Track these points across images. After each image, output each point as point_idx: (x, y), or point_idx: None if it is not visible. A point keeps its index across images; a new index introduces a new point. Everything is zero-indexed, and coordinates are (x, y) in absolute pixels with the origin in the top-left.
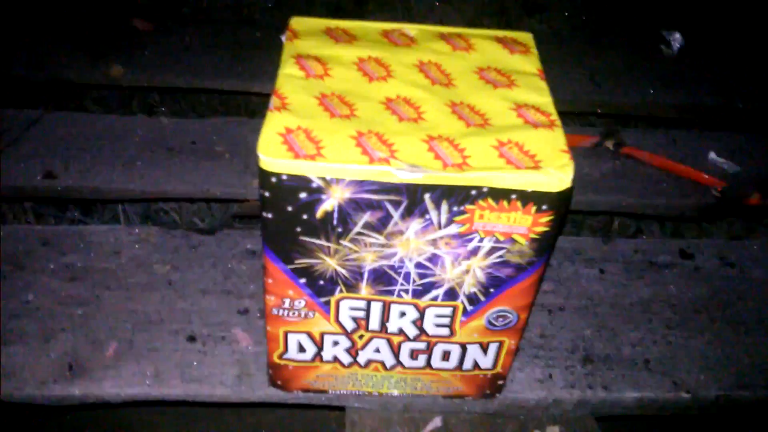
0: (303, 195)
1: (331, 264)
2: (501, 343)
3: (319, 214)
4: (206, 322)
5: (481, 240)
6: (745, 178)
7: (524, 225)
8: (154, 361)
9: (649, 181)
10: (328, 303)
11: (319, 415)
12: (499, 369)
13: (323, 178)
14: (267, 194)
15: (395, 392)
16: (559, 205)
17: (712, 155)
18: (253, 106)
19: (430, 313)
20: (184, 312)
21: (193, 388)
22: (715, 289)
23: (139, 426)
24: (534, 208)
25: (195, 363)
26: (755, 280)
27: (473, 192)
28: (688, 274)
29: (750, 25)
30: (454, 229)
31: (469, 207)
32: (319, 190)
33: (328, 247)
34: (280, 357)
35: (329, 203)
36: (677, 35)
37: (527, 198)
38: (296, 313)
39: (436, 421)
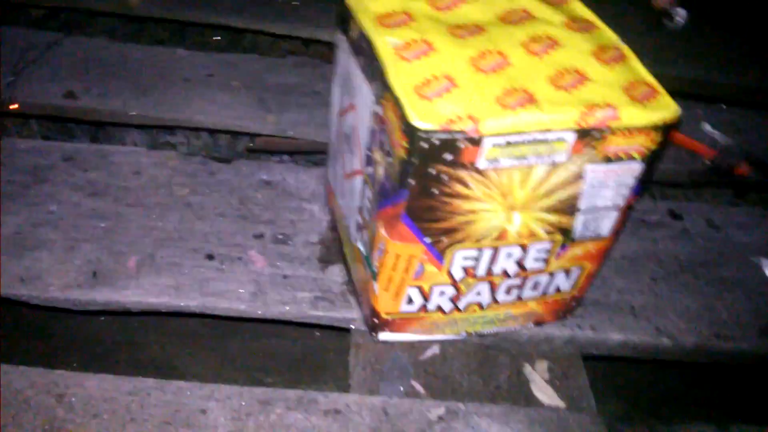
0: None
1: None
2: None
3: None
4: (223, 243)
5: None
6: (736, 150)
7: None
8: (174, 275)
9: None
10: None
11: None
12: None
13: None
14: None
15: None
16: (666, 129)
17: (706, 126)
18: (262, 44)
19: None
20: (202, 232)
21: (211, 302)
22: (700, 249)
23: (157, 337)
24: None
25: (213, 279)
26: (738, 244)
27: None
28: (676, 234)
29: (752, 2)
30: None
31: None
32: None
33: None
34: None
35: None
36: (682, 10)
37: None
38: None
39: (434, 348)
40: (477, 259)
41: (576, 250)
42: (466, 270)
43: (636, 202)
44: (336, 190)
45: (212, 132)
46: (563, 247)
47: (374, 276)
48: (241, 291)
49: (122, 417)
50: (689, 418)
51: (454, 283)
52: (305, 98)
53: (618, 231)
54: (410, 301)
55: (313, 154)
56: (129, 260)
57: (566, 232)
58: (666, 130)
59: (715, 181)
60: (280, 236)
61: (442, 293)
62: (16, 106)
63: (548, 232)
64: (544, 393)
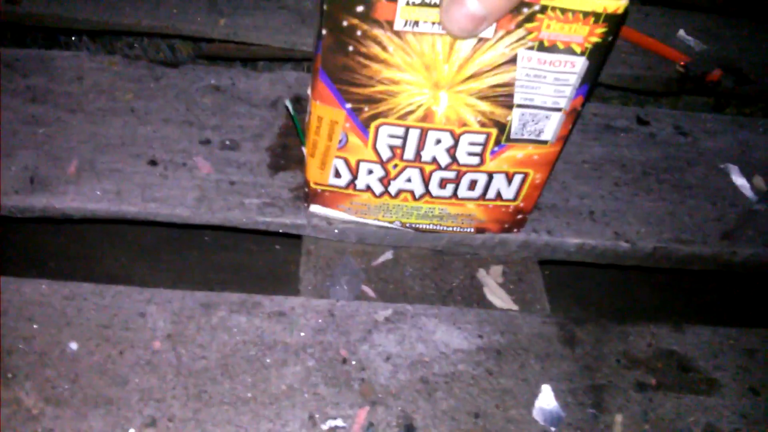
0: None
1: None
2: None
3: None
4: (168, 149)
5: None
6: (711, 57)
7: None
8: (116, 181)
9: (616, 51)
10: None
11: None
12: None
13: None
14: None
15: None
16: (611, 21)
17: (681, 32)
18: None
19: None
20: (145, 138)
21: (154, 207)
22: (666, 155)
23: (98, 245)
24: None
25: (156, 185)
26: (705, 150)
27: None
28: (642, 139)
29: None
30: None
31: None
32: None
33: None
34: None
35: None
36: None
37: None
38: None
39: (387, 254)
40: (403, 139)
41: (515, 152)
42: (393, 149)
43: (584, 106)
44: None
45: (161, 37)
46: (499, 144)
47: (302, 141)
48: (185, 197)
49: (58, 321)
50: (645, 319)
51: (381, 162)
52: (261, 1)
53: (564, 138)
54: (338, 174)
55: (268, 61)
56: (68, 166)
57: (502, 128)
58: (611, 22)
59: (688, 89)
60: (228, 142)
61: (370, 171)
62: None
63: (481, 123)
64: (497, 296)
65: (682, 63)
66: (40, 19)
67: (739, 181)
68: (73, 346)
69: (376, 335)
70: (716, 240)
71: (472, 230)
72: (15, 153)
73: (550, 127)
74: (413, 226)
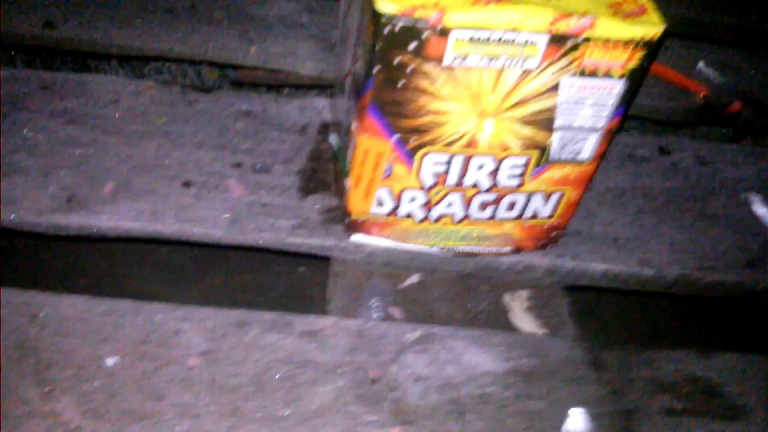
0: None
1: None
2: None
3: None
4: (201, 171)
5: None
6: (730, 89)
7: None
8: (150, 201)
9: None
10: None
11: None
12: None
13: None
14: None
15: (460, 246)
16: (649, 47)
17: (701, 65)
18: None
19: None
20: (179, 161)
21: (187, 228)
22: (688, 184)
23: (126, 264)
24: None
25: (189, 206)
26: (727, 180)
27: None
28: (664, 169)
29: None
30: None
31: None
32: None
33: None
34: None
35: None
36: None
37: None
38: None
39: (414, 277)
40: (448, 165)
41: (554, 173)
42: (436, 176)
43: (620, 129)
44: (339, 109)
45: (193, 63)
46: (539, 166)
47: (345, 172)
48: (217, 218)
49: (95, 337)
50: (670, 345)
51: (425, 189)
52: (289, 30)
53: (600, 157)
54: (380, 203)
55: (296, 87)
56: (105, 186)
57: (542, 150)
58: (648, 48)
59: (708, 119)
60: (260, 166)
61: (412, 199)
62: None
63: (523, 147)
64: (523, 321)
65: (702, 95)
66: (77, 44)
67: (761, 210)
68: (111, 361)
69: (405, 356)
70: (739, 268)
71: (509, 249)
72: (53, 172)
73: (588, 147)
74: (452, 249)
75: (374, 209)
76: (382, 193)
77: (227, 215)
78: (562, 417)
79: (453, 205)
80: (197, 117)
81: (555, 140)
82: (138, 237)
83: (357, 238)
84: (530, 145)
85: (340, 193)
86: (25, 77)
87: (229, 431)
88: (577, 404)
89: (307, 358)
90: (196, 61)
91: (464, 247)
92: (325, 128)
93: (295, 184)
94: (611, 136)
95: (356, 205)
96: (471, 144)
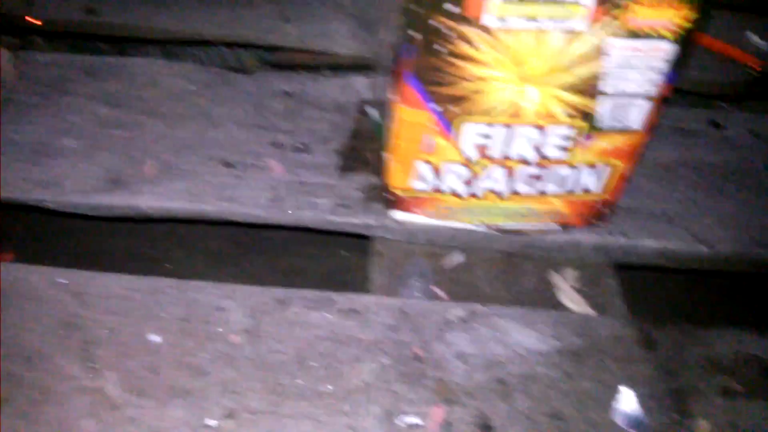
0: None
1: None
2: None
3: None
4: (241, 151)
5: None
6: None
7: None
8: (192, 181)
9: None
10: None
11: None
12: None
13: None
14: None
15: (507, 224)
16: (698, 2)
17: (753, 37)
18: None
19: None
20: (219, 141)
21: (229, 207)
22: (740, 157)
23: (164, 245)
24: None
25: (231, 186)
26: None
27: None
28: (715, 142)
29: None
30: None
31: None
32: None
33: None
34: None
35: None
36: None
37: None
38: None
39: (458, 256)
40: (490, 137)
41: (602, 143)
42: (479, 149)
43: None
44: (381, 86)
45: (232, 45)
46: (587, 136)
47: (387, 147)
48: (259, 197)
49: (140, 314)
50: (725, 325)
51: (467, 163)
52: (326, 10)
53: (650, 126)
54: (422, 178)
55: (334, 68)
56: (147, 167)
57: (590, 119)
58: (698, 3)
59: (760, 92)
60: (299, 145)
61: (454, 173)
62: (39, 22)
63: (569, 116)
64: (571, 300)
65: (757, 68)
66: (117, 29)
67: None
68: (155, 338)
69: (449, 334)
70: None
71: (557, 227)
72: (95, 155)
73: (638, 115)
74: (498, 226)
75: (415, 184)
76: (422, 167)
77: (268, 195)
78: (612, 397)
79: (497, 179)
80: (236, 98)
81: (604, 107)
82: (181, 217)
83: (399, 215)
84: (577, 113)
85: (381, 169)
86: (68, 62)
87: (272, 407)
88: (628, 384)
89: (349, 335)
90: (235, 44)
91: (510, 224)
92: (364, 107)
93: (334, 163)
94: (661, 103)
95: (397, 180)
96: (514, 113)
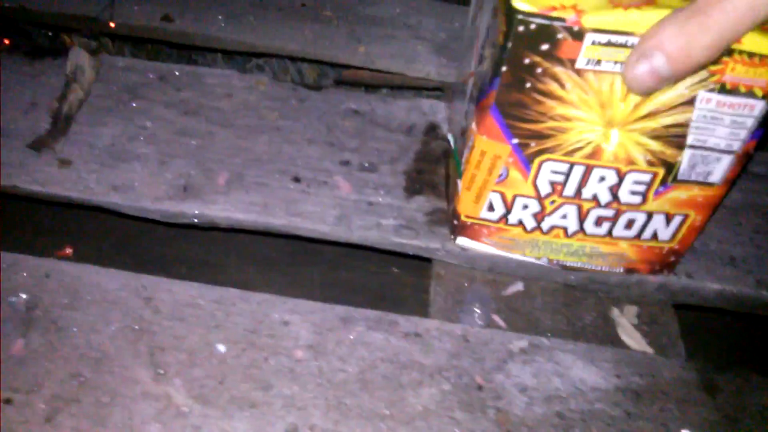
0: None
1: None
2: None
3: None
4: (310, 167)
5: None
6: None
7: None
8: (262, 194)
9: None
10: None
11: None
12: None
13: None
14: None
15: (570, 261)
16: None
17: None
18: None
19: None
20: (289, 156)
21: (297, 222)
22: None
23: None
24: None
25: (299, 201)
26: None
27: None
28: None
29: None
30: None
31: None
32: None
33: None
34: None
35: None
36: None
37: None
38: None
39: (518, 285)
40: (566, 175)
41: (680, 193)
42: (553, 186)
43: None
44: (456, 112)
45: (302, 61)
46: (664, 184)
47: (459, 174)
48: (326, 214)
49: (207, 323)
50: None
51: (539, 198)
52: (397, 31)
53: (731, 181)
54: (491, 207)
55: (402, 88)
56: (219, 177)
57: (670, 168)
58: None
59: None
60: (367, 164)
61: (525, 206)
62: (114, 25)
63: (649, 163)
64: (632, 337)
65: None
66: (192, 38)
67: None
68: (221, 348)
69: (511, 365)
70: None
71: (622, 270)
72: (169, 161)
73: (720, 169)
74: (560, 263)
75: (484, 213)
76: (494, 197)
77: (334, 212)
78: None
79: (567, 216)
80: (307, 114)
81: (685, 158)
82: (248, 228)
83: (463, 242)
84: (657, 161)
85: (450, 195)
86: (143, 68)
87: (335, 425)
88: (689, 427)
89: (411, 358)
90: (304, 59)
91: (574, 262)
92: (431, 129)
93: (400, 184)
94: (746, 159)
95: (466, 208)
96: (594, 155)
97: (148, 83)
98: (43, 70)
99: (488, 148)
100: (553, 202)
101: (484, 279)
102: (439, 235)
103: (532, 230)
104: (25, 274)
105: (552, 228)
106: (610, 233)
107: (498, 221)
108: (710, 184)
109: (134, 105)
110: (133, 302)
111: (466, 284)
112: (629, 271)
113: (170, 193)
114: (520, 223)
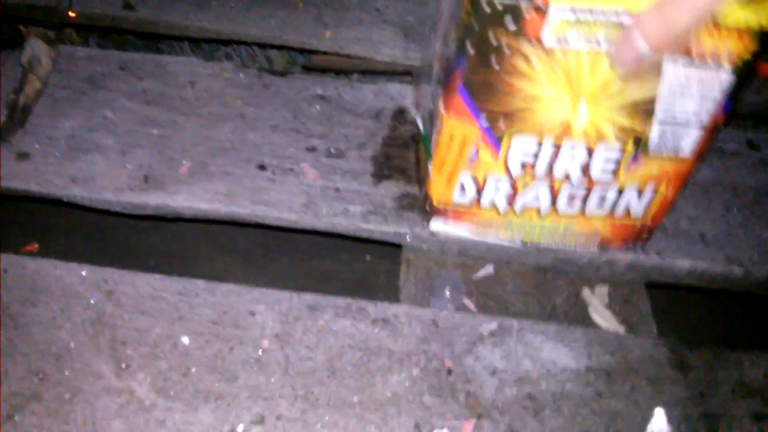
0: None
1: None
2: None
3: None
4: (276, 154)
5: None
6: None
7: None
8: (226, 183)
9: None
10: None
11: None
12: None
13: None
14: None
15: (545, 242)
16: (763, 37)
17: None
18: None
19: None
20: (254, 143)
21: (263, 210)
22: None
23: (193, 245)
24: (745, 36)
25: (265, 189)
26: None
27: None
28: (752, 164)
29: None
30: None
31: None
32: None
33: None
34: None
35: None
36: None
37: (741, 30)
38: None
39: (488, 269)
40: (536, 155)
41: (650, 167)
42: (524, 165)
43: (722, 125)
44: (423, 96)
45: (270, 47)
46: (635, 159)
47: (429, 157)
48: (292, 202)
49: (170, 315)
50: (758, 348)
51: (510, 178)
52: (365, 15)
53: (700, 154)
54: (463, 190)
55: (370, 74)
56: (181, 167)
57: (640, 142)
58: (762, 38)
59: None
60: (334, 150)
61: (497, 187)
62: (74, 14)
63: (618, 138)
64: (603, 317)
65: None
66: (155, 26)
67: None
68: (185, 340)
69: (481, 348)
70: None
71: (594, 248)
72: (131, 151)
73: (689, 142)
74: (535, 244)
75: (457, 197)
76: (465, 179)
77: (301, 199)
78: (644, 418)
79: (539, 197)
80: (272, 100)
81: (654, 132)
82: (214, 218)
83: (435, 225)
84: (627, 136)
85: (421, 180)
86: (103, 57)
87: (302, 415)
88: (662, 405)
89: (380, 345)
90: (271, 45)
91: (548, 243)
92: (400, 114)
93: (368, 170)
94: (714, 132)
95: (438, 191)
96: (564, 131)
97: (109, 73)
98: None
99: (457, 130)
100: (525, 181)
101: (455, 263)
102: (408, 220)
103: (505, 212)
104: None
105: (525, 208)
106: (582, 211)
107: (470, 204)
108: (680, 157)
109: (95, 95)
110: (95, 296)
111: (436, 269)
112: (603, 248)
113: (131, 183)
114: (493, 205)
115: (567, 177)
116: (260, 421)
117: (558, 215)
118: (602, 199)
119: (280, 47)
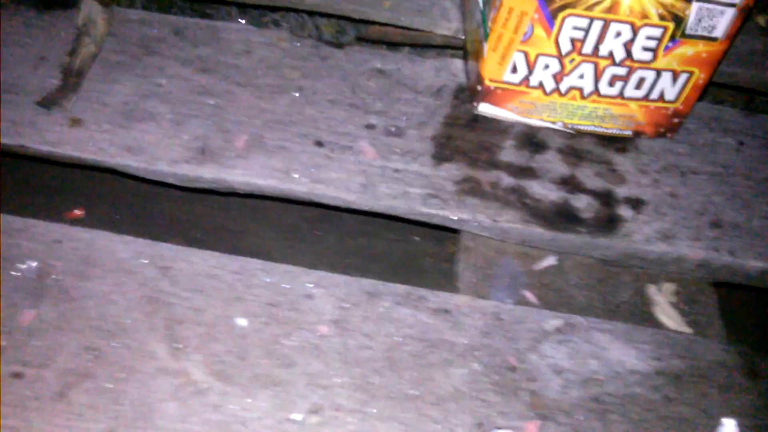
0: None
1: None
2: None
3: None
4: (333, 130)
5: None
6: None
7: None
8: (283, 159)
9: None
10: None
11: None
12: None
13: None
14: None
15: (583, 125)
16: None
17: None
18: None
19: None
20: (312, 118)
21: (320, 189)
22: None
23: (239, 219)
24: None
25: (322, 166)
26: None
27: None
28: None
29: None
30: None
31: None
32: None
33: None
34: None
35: None
36: None
37: None
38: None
39: (551, 259)
40: (586, 31)
41: (686, 49)
42: (573, 42)
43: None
44: None
45: (321, 15)
46: (673, 40)
47: (486, 36)
48: (350, 181)
49: (227, 295)
50: None
51: (560, 57)
52: None
53: (731, 38)
54: (515, 69)
55: (428, 47)
56: (238, 140)
57: (679, 22)
58: None
59: None
60: (393, 128)
61: (546, 66)
62: None
63: (661, 16)
64: (669, 316)
65: None
66: None
67: None
68: (242, 322)
69: (546, 345)
70: None
71: (629, 132)
72: (185, 121)
73: (723, 23)
74: (575, 126)
75: (507, 76)
76: (518, 58)
77: (360, 179)
78: (713, 426)
79: (584, 76)
80: (330, 73)
81: (692, 12)
82: (269, 195)
83: (485, 108)
84: (668, 15)
85: (470, 70)
86: (157, 21)
87: (361, 406)
88: (730, 414)
89: (440, 337)
90: (326, 14)
91: (587, 126)
92: (461, 92)
93: (428, 151)
94: (746, 14)
95: (491, 70)
96: (612, 8)
97: (163, 38)
98: (53, 23)
99: (515, 4)
100: (572, 60)
101: (515, 252)
102: (469, 206)
103: (551, 92)
104: (35, 240)
105: (569, 89)
106: (621, 94)
107: (520, 83)
108: (714, 39)
109: (149, 61)
110: (150, 272)
111: (495, 258)
112: (637, 133)
113: (187, 156)
114: (541, 84)
115: (611, 56)
116: (318, 410)
117: (599, 97)
118: (641, 80)
119: (333, 16)
